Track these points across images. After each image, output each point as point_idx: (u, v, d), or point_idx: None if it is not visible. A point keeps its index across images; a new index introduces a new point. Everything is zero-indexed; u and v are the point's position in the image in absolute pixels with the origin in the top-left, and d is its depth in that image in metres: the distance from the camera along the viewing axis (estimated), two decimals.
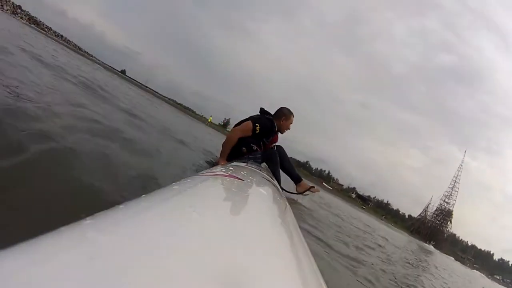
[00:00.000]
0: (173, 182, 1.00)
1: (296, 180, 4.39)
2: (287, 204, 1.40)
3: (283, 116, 4.24)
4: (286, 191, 4.21)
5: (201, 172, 1.67)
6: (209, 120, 56.26)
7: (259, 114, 4.19)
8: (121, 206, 0.59)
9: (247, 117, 4.06)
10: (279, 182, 3.73)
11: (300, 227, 0.96)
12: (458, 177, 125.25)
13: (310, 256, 0.66)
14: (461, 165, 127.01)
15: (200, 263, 0.39)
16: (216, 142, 8.62)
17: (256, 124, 3.88)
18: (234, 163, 2.95)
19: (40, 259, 0.35)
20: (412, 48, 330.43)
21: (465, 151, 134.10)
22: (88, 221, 0.48)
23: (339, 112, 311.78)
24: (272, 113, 4.28)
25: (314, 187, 4.46)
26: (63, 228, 0.44)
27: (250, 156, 3.90)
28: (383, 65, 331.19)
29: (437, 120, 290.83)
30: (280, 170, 4.16)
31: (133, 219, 0.54)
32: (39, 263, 0.34)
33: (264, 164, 3.93)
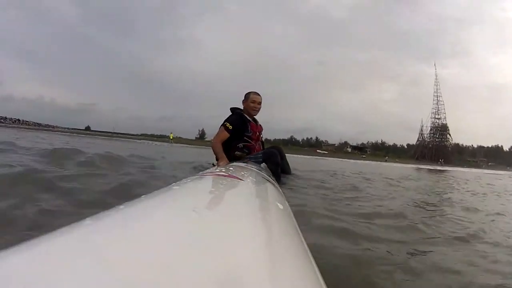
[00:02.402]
0: (173, 183, 1.00)
1: None
2: (287, 203, 1.40)
3: (243, 99, 4.29)
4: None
5: (201, 172, 1.72)
6: (171, 138, 58.44)
7: (229, 115, 4.24)
8: (121, 206, 0.60)
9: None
10: (278, 177, 3.74)
11: (300, 226, 0.96)
12: (438, 90, 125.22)
13: (310, 256, 0.66)
14: (436, 78, 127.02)
15: (201, 262, 0.40)
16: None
17: (226, 123, 3.98)
18: (234, 163, 3.01)
19: (40, 259, 0.35)
20: None
21: (435, 64, 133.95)
22: (88, 221, 0.49)
23: (300, 78, 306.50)
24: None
25: None
26: (63, 228, 0.45)
27: (250, 157, 3.98)
28: (323, 17, 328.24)
29: (395, 46, 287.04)
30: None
31: (133, 219, 0.55)
32: (39, 263, 0.34)
33: (264, 164, 3.90)
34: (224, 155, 3.77)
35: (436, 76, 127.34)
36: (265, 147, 4.50)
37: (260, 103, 4.27)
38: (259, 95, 4.28)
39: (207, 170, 1.88)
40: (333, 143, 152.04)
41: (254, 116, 4.33)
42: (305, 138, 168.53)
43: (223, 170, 1.65)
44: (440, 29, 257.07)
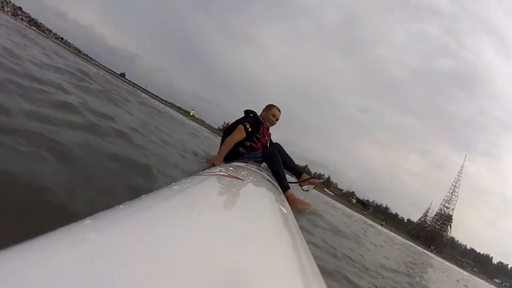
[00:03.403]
0: (173, 182, 1.01)
1: (298, 175, 4.42)
2: (287, 203, 1.38)
3: (265, 108, 4.40)
4: (292, 182, 4.19)
5: (201, 172, 1.70)
6: (191, 114, 60.56)
7: (244, 116, 4.33)
8: (121, 206, 0.58)
9: (234, 121, 4.27)
10: (283, 181, 3.68)
11: (300, 227, 0.96)
12: (458, 181, 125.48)
13: (310, 256, 0.66)
14: (461, 170, 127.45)
15: (200, 263, 0.39)
16: None
17: (246, 124, 4.02)
18: (234, 163, 2.97)
19: (40, 259, 0.35)
20: (411, 52, 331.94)
21: (465, 156, 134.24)
22: (88, 221, 0.48)
23: (338, 115, 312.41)
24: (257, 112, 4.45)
25: (312, 178, 4.45)
26: (63, 228, 0.44)
27: (250, 156, 3.95)
28: (383, 69, 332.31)
29: (437, 124, 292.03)
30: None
31: (133, 219, 0.54)
32: (39, 263, 0.34)
33: (264, 164, 3.91)
34: (224, 157, 3.84)
35: (462, 168, 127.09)
36: (283, 151, 4.42)
37: (278, 119, 4.41)
38: (280, 111, 4.41)
39: (207, 170, 1.87)
40: (341, 188, 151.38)
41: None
42: (317, 173, 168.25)
43: (223, 170, 1.64)
44: (483, 125, 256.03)
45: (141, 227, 0.49)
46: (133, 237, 0.44)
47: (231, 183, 1.23)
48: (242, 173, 1.77)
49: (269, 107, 4.36)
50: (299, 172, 4.42)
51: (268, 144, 4.49)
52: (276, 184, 2.48)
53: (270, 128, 4.48)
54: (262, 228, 0.67)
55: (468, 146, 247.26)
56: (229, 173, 1.47)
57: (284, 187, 3.56)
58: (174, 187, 0.91)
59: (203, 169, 2.08)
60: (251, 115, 4.28)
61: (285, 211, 1.06)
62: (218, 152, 3.91)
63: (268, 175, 2.79)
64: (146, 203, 0.66)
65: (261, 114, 4.37)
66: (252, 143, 4.12)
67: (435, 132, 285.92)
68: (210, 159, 3.83)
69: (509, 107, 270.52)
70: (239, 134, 3.95)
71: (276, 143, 4.53)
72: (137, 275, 0.34)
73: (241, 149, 4.05)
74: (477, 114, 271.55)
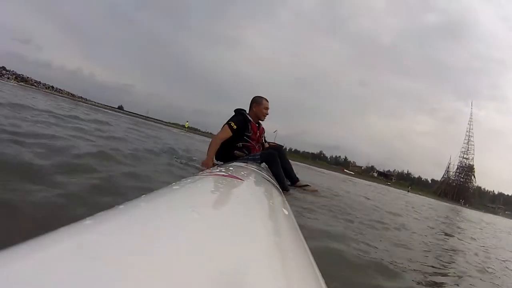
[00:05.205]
0: (173, 182, 1.02)
1: (293, 181, 4.40)
2: (287, 203, 1.39)
3: (254, 103, 4.33)
4: (290, 185, 4.22)
5: (201, 172, 1.72)
6: (186, 126, 62.67)
7: (233, 115, 4.29)
8: (121, 206, 0.59)
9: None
10: (282, 181, 3.71)
11: (300, 227, 0.97)
12: (471, 130, 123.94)
13: (310, 255, 0.67)
14: (471, 118, 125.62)
15: (200, 262, 0.40)
16: None
17: (230, 123, 4.02)
18: (234, 163, 2.99)
19: (40, 259, 0.35)
20: (394, 15, 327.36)
21: (472, 103, 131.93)
22: (88, 221, 0.49)
23: (340, 95, 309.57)
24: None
25: (309, 185, 4.53)
26: (63, 228, 0.44)
27: (249, 157, 3.96)
28: (371, 39, 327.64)
29: (436, 80, 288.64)
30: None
31: (133, 219, 0.55)
32: (39, 263, 0.34)
33: (264, 164, 3.92)
34: (213, 157, 3.88)
35: (471, 116, 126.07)
36: (284, 156, 4.37)
37: (268, 108, 4.39)
38: (267, 100, 4.39)
39: (207, 170, 1.88)
40: (360, 165, 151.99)
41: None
42: (333, 156, 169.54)
43: (223, 170, 1.65)
44: (482, 70, 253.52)
45: (141, 227, 0.50)
46: (133, 237, 0.45)
47: (231, 183, 1.24)
48: (242, 173, 1.78)
49: (259, 102, 4.30)
50: (294, 178, 4.41)
51: (264, 140, 4.49)
52: (276, 184, 2.47)
53: (262, 122, 4.43)
54: (262, 228, 0.68)
55: (472, 93, 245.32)
56: (229, 173, 1.48)
57: (284, 187, 3.58)
58: (174, 187, 0.92)
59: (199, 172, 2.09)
60: (241, 112, 4.25)
61: (286, 212, 1.06)
62: (207, 154, 3.90)
63: (268, 175, 2.80)
64: (146, 203, 0.67)
65: (251, 110, 4.31)
66: (245, 142, 4.13)
67: (436, 88, 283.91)
68: (202, 162, 3.85)
69: (500, 45, 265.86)
70: (224, 133, 3.97)
71: (280, 146, 4.51)
72: (137, 274, 0.34)
73: (236, 152, 4.07)
74: (473, 60, 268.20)
